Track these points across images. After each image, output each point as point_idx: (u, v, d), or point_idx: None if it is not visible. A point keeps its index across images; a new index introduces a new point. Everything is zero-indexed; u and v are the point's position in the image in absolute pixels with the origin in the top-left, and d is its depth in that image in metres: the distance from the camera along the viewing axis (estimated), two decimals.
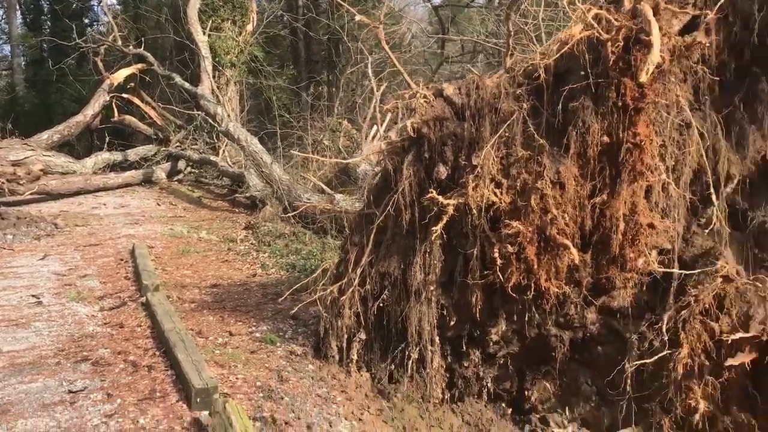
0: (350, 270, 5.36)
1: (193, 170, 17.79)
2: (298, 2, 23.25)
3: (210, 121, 15.12)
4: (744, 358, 4.81)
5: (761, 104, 5.03)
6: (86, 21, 28.28)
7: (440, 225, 4.78)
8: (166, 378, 4.98)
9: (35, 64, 27.59)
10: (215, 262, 8.83)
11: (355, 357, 5.44)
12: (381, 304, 5.33)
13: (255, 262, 8.90)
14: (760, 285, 4.88)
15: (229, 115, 14.66)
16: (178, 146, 17.56)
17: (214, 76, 17.09)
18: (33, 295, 6.99)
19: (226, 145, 16.06)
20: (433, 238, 4.90)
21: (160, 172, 16.49)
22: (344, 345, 5.45)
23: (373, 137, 13.13)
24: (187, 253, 9.24)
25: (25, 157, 13.89)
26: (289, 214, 10.18)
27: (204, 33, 17.08)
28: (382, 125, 12.06)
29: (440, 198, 4.72)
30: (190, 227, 11.21)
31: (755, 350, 4.82)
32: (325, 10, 22.26)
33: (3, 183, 11.99)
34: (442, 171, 4.96)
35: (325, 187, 11.14)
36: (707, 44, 4.49)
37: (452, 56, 21.62)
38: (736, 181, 5.13)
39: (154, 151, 17.80)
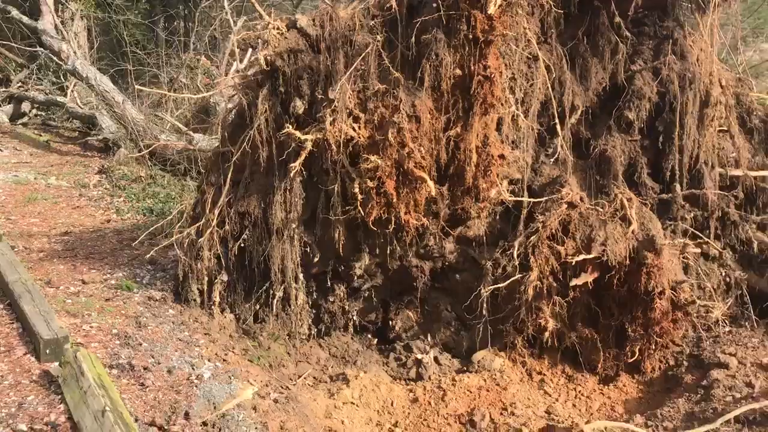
0: (208, 211, 5.21)
1: (39, 113, 16.44)
2: None
3: (55, 59, 13.95)
4: (587, 277, 5.19)
5: (602, 37, 5.30)
6: None
7: (299, 161, 4.71)
8: (11, 332, 4.67)
9: None
10: (66, 209, 8.29)
11: (217, 299, 5.34)
12: (242, 245, 5.24)
13: (109, 207, 8.45)
14: (601, 209, 5.24)
15: (75, 53, 13.57)
16: (20, 87, 16.12)
17: (57, 10, 15.68)
18: None
19: (74, 85, 14.92)
20: (292, 174, 4.83)
21: (2, 115, 15.12)
22: (205, 287, 5.32)
23: (234, 74, 12.68)
24: (34, 200, 8.60)
25: None
26: (143, 153, 9.66)
27: None
28: (242, 61, 11.68)
29: (297, 133, 4.64)
30: (38, 173, 10.42)
31: (597, 270, 5.20)
32: None
33: None
34: (299, 105, 4.86)
35: (182, 126, 10.69)
36: None
37: None
38: (579, 112, 5.42)
39: None
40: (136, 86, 10.70)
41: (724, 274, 5.76)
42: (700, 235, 5.58)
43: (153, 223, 7.28)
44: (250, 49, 12.34)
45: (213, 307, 5.33)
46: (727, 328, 5.75)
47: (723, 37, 8.38)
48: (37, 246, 6.64)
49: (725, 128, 5.57)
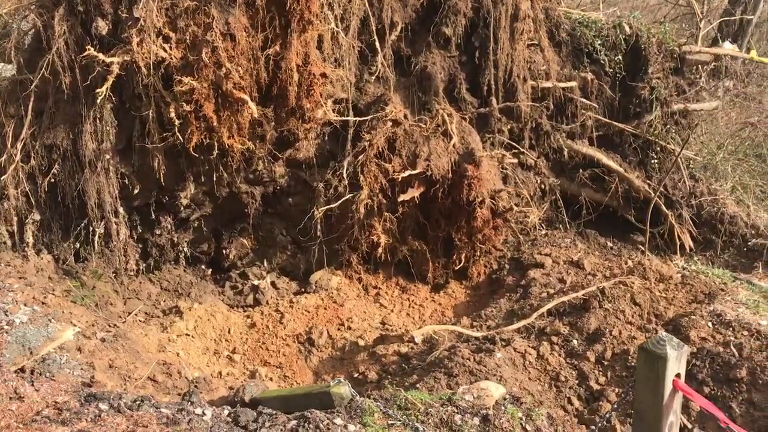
0: (9, 145, 4.75)
1: None
2: None
3: None
4: (414, 192, 5.34)
5: None
6: None
7: (106, 86, 4.39)
8: None
9: None
10: None
11: (30, 240, 4.96)
12: (53, 180, 4.86)
13: None
14: (424, 126, 5.37)
15: None
16: None
17: None
18: None
19: None
20: (100, 101, 4.50)
21: None
22: (16, 229, 4.91)
23: None
24: None
25: None
26: None
27: None
28: None
29: (101, 56, 4.29)
30: None
31: (423, 184, 5.37)
32: None
33: None
34: (102, 26, 4.49)
35: None
36: None
37: None
38: (399, 29, 5.43)
39: None
40: None
41: (539, 181, 6.17)
42: (516, 145, 5.90)
43: None
44: None
45: (27, 249, 4.95)
46: (544, 231, 6.23)
47: None
48: None
49: (536, 42, 5.84)
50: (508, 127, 5.88)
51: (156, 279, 5.44)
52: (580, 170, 6.28)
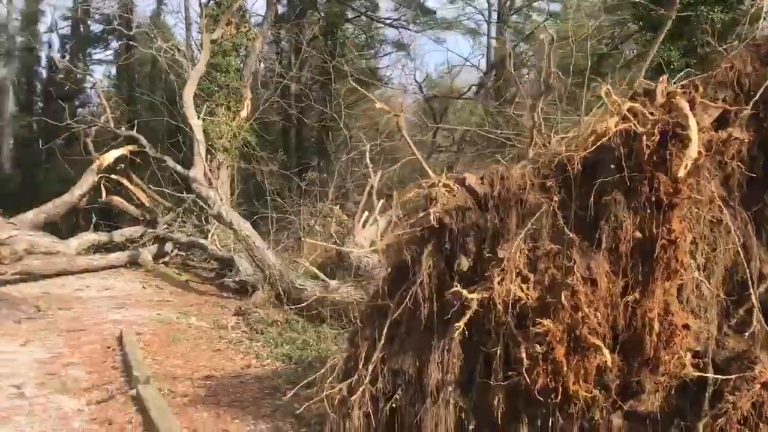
0: (360, 366, 5.01)
1: (180, 253, 17.38)
2: (290, 89, 23.78)
3: (201, 203, 14.91)
4: None
5: None
6: (77, 102, 28.75)
7: (463, 320, 4.49)
8: None
9: (25, 144, 28.06)
10: (207, 351, 8.38)
11: None
12: (393, 405, 4.96)
13: (249, 351, 8.46)
14: None
15: (222, 199, 14.45)
16: (166, 228, 17.23)
17: (206, 160, 16.97)
18: (14, 386, 6.50)
19: (215, 228, 15.79)
20: (455, 335, 4.59)
21: (147, 254, 16.04)
22: None
23: (364, 223, 13.10)
24: (177, 341, 8.79)
25: (10, 236, 13.45)
26: (291, 307, 9.81)
27: (198, 117, 17.03)
28: (376, 212, 12.12)
29: (465, 292, 4.44)
30: (179, 312, 10.77)
31: None
32: (318, 97, 22.79)
33: None
34: (464, 263, 4.72)
35: (318, 272, 10.95)
36: (743, 140, 4.38)
37: (442, 145, 22.06)
38: None
39: (141, 233, 17.42)
40: (299, 238, 11.13)
41: None
42: None
43: (292, 370, 7.21)
44: (381, 201, 12.78)
45: None
46: None
47: None
48: (181, 390, 6.65)
49: None
50: None
51: None
52: None
